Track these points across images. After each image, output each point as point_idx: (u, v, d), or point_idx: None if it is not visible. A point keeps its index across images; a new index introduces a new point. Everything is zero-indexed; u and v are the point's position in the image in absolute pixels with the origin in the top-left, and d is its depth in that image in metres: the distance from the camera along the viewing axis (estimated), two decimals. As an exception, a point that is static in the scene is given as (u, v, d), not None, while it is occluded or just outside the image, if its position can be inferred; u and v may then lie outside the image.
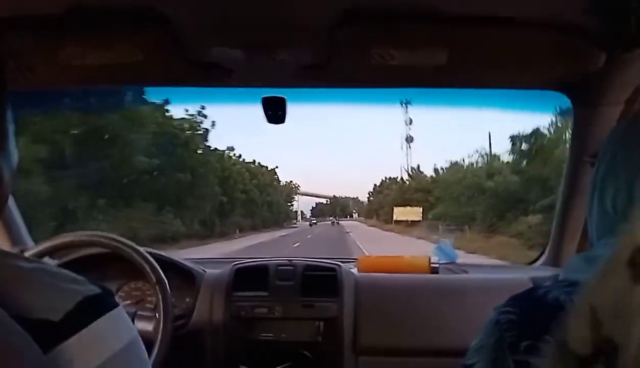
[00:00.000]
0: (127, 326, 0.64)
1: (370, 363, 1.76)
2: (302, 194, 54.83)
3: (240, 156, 29.45)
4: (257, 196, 29.18)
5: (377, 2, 1.11)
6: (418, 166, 35.08)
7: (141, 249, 1.56)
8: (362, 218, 50.81)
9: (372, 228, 34.82)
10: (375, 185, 42.11)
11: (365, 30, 1.20)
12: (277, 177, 37.43)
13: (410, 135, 33.37)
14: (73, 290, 0.59)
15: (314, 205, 63.55)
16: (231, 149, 27.83)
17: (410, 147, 34.18)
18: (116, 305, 0.63)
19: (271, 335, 1.77)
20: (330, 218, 53.80)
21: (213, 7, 1.12)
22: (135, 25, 1.18)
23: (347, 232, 30.10)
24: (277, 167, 36.77)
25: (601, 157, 0.76)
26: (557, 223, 1.85)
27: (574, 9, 1.12)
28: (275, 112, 1.58)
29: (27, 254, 1.48)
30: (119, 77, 1.46)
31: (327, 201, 65.35)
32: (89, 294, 0.60)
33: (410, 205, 26.12)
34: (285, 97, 1.54)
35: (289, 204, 46.77)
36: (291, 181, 49.64)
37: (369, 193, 45.44)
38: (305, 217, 55.20)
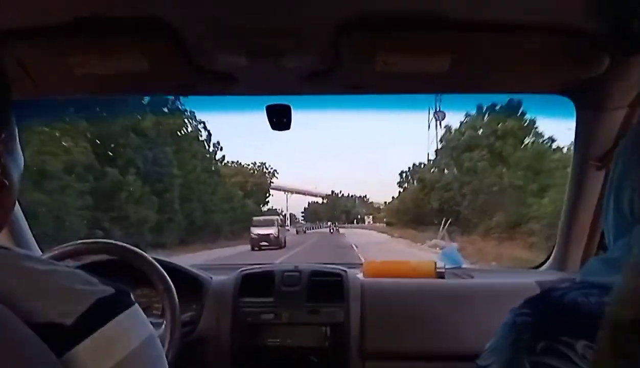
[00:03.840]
0: (142, 324, 0.64)
1: None
2: (278, 189, 37.72)
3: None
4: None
5: (381, 9, 1.11)
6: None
7: (149, 257, 1.57)
8: (382, 225, 34.00)
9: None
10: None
11: (370, 37, 1.21)
12: (210, 144, 23.50)
13: (440, 111, 21.50)
14: (87, 291, 0.59)
15: (306, 206, 46.85)
16: None
17: (441, 125, 23.75)
18: (132, 303, 0.63)
19: (278, 340, 1.77)
20: (329, 223, 38.82)
21: (217, 15, 1.13)
22: (140, 35, 1.19)
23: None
24: (204, 123, 22.35)
25: (617, 158, 0.75)
26: (563, 227, 1.84)
27: (577, 13, 1.12)
28: (280, 120, 1.59)
29: None
30: (124, 86, 1.48)
31: (323, 200, 47.64)
32: (102, 296, 0.60)
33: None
34: (290, 105, 1.55)
35: (263, 202, 31.68)
36: (263, 163, 33.27)
37: (403, 177, 28.58)
38: (298, 221, 41.38)
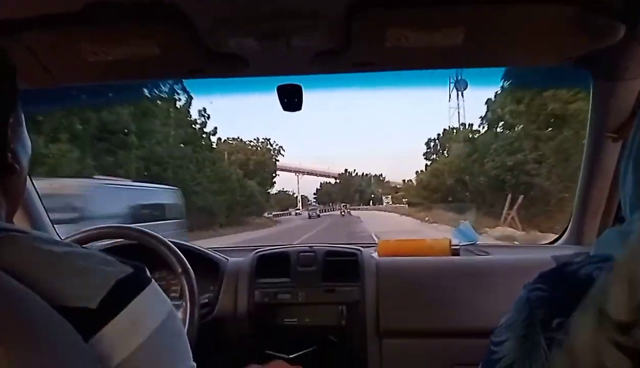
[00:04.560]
0: (162, 300, 0.65)
1: (393, 345, 1.78)
2: (288, 170, 35.46)
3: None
4: None
5: None
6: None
7: (166, 240, 1.59)
8: (404, 206, 28.03)
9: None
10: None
11: (380, 14, 1.19)
12: (189, 109, 18.54)
13: (462, 79, 21.02)
14: (106, 272, 0.60)
15: (319, 187, 42.14)
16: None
17: (462, 95, 22.06)
18: (149, 280, 0.64)
19: (295, 320, 1.80)
20: (342, 205, 34.38)
21: None
22: (150, 20, 1.19)
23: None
24: (181, 83, 14.50)
25: (637, 127, 0.74)
26: (579, 201, 1.83)
27: None
28: (291, 100, 1.58)
29: None
30: (136, 72, 1.48)
31: (336, 180, 42.72)
32: (122, 276, 0.61)
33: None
34: (301, 85, 1.55)
35: (268, 186, 26.93)
36: (267, 139, 29.50)
37: (432, 147, 22.84)
38: (311, 204, 37.94)
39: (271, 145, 29.61)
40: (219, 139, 24.59)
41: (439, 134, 23.05)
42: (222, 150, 23.70)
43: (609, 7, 1.17)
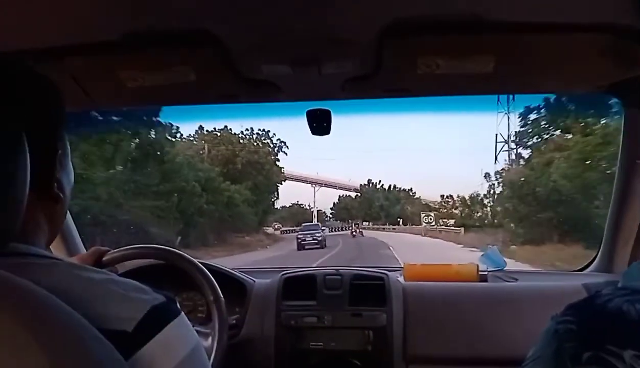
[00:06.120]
0: (190, 332, 0.67)
1: None
2: (304, 181, 29.58)
3: None
4: None
5: (422, 14, 1.12)
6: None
7: (199, 264, 1.59)
8: (450, 232, 22.22)
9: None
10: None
11: (412, 41, 1.21)
12: None
13: None
14: (141, 299, 0.62)
15: (337, 201, 34.56)
16: None
17: (514, 98, 16.08)
18: (179, 312, 0.66)
19: (321, 344, 1.79)
20: (353, 223, 28.02)
21: (262, 26, 1.15)
22: (188, 47, 1.23)
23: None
24: None
25: None
26: (610, 228, 1.80)
27: (622, 10, 1.10)
28: (320, 124, 1.61)
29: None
30: (172, 97, 1.53)
31: (357, 193, 34.81)
32: (155, 303, 0.63)
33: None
34: (331, 110, 1.57)
35: (267, 194, 22.23)
36: (266, 132, 22.58)
37: (530, 124, 14.85)
38: (329, 220, 32.06)
39: (270, 140, 22.74)
40: (200, 127, 19.44)
41: (529, 106, 14.61)
42: (204, 142, 19.73)
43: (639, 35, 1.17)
